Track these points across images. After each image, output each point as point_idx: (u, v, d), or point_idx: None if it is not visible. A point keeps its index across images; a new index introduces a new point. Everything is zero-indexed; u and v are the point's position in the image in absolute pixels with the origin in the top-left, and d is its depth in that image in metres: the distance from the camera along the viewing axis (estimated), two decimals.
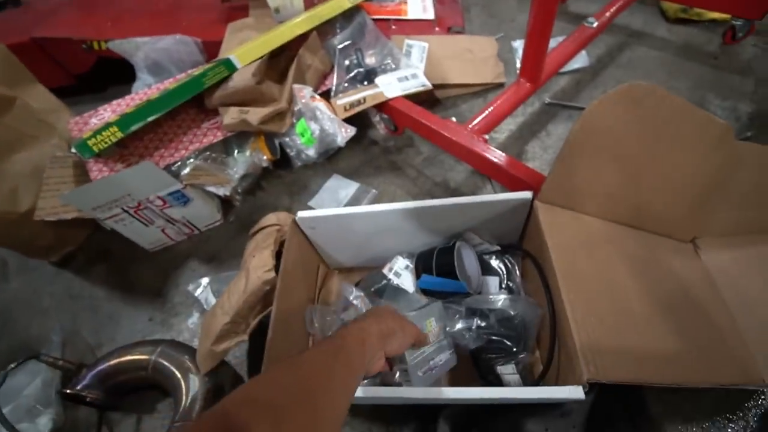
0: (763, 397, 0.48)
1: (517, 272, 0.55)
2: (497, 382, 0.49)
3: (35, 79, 0.82)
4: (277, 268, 0.51)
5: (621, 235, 0.52)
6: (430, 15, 1.01)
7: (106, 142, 0.62)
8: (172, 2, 1.09)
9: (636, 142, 0.47)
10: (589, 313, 0.42)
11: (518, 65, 0.90)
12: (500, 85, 0.89)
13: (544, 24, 0.65)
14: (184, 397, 0.52)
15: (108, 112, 0.79)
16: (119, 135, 0.63)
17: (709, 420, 0.48)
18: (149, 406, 0.59)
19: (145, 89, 0.85)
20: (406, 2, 1.04)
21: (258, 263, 0.51)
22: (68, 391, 0.55)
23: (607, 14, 0.83)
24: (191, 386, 0.53)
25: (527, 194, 0.49)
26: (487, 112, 0.69)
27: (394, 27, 0.97)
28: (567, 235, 0.48)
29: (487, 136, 0.67)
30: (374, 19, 0.90)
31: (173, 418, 0.52)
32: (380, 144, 0.84)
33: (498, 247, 0.57)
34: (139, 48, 0.97)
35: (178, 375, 0.55)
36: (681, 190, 0.52)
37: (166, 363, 0.55)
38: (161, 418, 0.58)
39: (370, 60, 0.83)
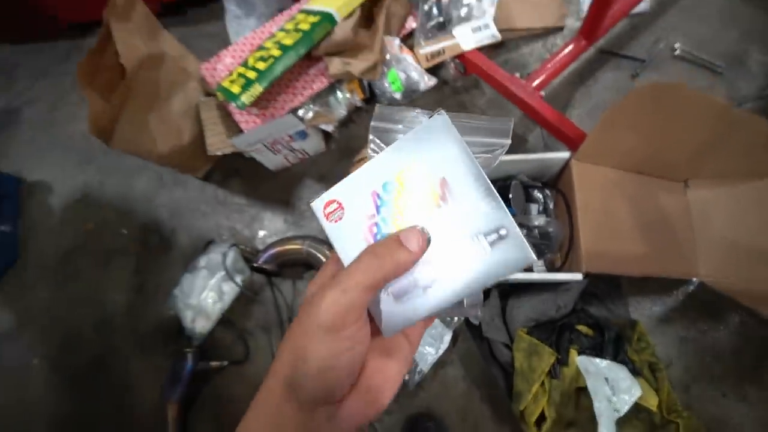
0: (693, 284, 0.80)
1: (551, 202, 0.83)
2: (530, 269, 0.82)
3: (164, 28, 1.01)
4: None
5: (626, 180, 0.78)
6: None
7: (254, 96, 0.87)
8: None
9: (652, 122, 0.69)
10: (592, 233, 0.71)
11: (582, 8, 1.01)
12: (561, 28, 1.03)
13: None
14: None
15: (228, 57, 1.00)
16: (261, 90, 0.87)
17: (656, 295, 0.81)
18: (300, 275, 0.97)
19: (249, 32, 1.03)
20: None
21: None
22: (255, 264, 0.92)
23: None
24: None
25: (566, 154, 0.74)
26: (545, 70, 0.88)
27: None
28: (589, 181, 0.74)
29: (543, 92, 0.87)
30: None
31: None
32: (450, 84, 1.04)
33: (540, 184, 0.84)
34: None
35: (323, 258, 0.90)
36: (681, 147, 0.75)
37: (313, 250, 0.91)
38: (307, 282, 0.97)
39: (445, 2, 0.97)
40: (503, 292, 0.83)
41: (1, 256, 1.30)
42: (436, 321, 0.83)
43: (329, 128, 0.96)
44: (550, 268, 0.81)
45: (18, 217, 1.36)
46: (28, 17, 1.45)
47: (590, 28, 0.86)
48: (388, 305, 0.23)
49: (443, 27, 0.95)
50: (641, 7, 0.99)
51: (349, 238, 0.23)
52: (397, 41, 0.92)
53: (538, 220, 0.80)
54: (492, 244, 0.21)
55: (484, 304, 0.83)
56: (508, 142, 0.23)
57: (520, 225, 0.80)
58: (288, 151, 0.99)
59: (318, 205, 0.24)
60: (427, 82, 0.91)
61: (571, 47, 0.88)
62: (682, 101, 0.67)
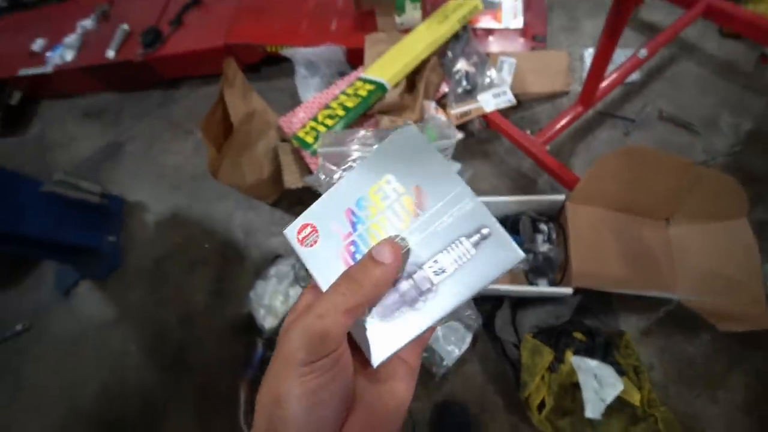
0: (672, 305, 0.98)
1: (554, 233, 1.05)
2: (534, 284, 1.03)
3: (252, 88, 1.34)
4: None
5: (614, 218, 0.99)
6: (519, 23, 1.35)
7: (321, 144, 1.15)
8: (320, 8, 1.51)
9: (630, 174, 0.91)
10: (582, 257, 0.93)
11: (584, 75, 1.25)
12: (567, 92, 1.27)
13: (601, 63, 1.02)
14: None
15: (301, 113, 1.30)
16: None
17: (642, 312, 1.00)
18: None
19: (315, 94, 1.34)
20: (500, 8, 1.37)
21: None
22: None
23: (659, 41, 1.14)
24: None
25: (562, 197, 0.97)
26: (551, 129, 1.12)
27: (490, 38, 1.34)
28: (580, 218, 0.96)
29: (548, 147, 1.11)
30: (474, 29, 1.29)
31: None
32: (475, 136, 1.29)
33: (545, 218, 1.06)
34: (300, 52, 1.43)
35: None
36: (657, 195, 0.96)
37: None
38: None
39: (472, 73, 1.24)
40: (514, 303, 1.05)
41: (108, 261, 1.63)
42: (456, 324, 1.05)
43: None
44: (552, 285, 1.02)
45: (121, 231, 1.70)
46: (142, 74, 1.84)
47: (587, 97, 1.10)
48: (374, 328, 0.21)
49: (470, 93, 1.21)
50: (632, 77, 1.22)
51: (326, 261, 0.22)
52: (433, 104, 1.19)
53: (543, 247, 1.02)
54: (476, 245, 0.20)
55: (497, 315, 1.04)
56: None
57: (528, 251, 1.02)
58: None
59: (291, 231, 0.23)
60: (457, 135, 1.17)
61: (572, 111, 1.12)
62: (651, 159, 0.90)
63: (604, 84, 1.11)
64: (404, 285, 0.21)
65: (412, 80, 1.23)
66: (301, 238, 0.23)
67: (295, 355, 0.18)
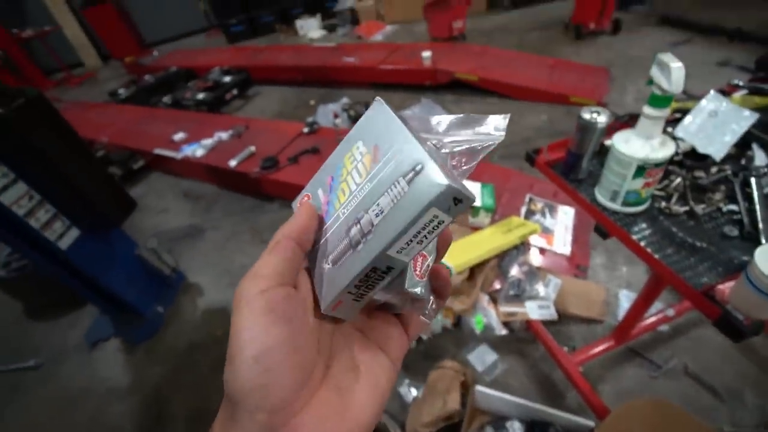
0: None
1: None
2: None
3: None
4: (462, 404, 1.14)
5: None
6: (567, 251, 1.64)
7: None
8: None
9: (657, 427, 1.01)
10: None
11: (619, 312, 1.46)
12: (602, 321, 1.46)
13: (636, 314, 1.22)
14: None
15: None
16: None
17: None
18: None
19: None
20: (553, 234, 1.70)
21: (453, 398, 1.15)
22: None
23: (686, 305, 1.36)
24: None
25: (591, 423, 1.06)
26: (585, 352, 1.27)
27: (541, 256, 1.62)
28: None
29: (581, 368, 1.24)
30: (529, 243, 1.57)
31: None
32: (515, 333, 1.45)
33: None
34: None
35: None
36: None
37: None
38: None
39: (523, 281, 1.48)
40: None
41: (147, 329, 1.74)
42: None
43: (424, 335, 1.38)
44: None
45: (171, 304, 1.85)
46: (249, 185, 2.26)
47: (621, 334, 1.28)
48: (329, 273, 0.23)
49: (518, 297, 1.43)
50: (661, 327, 1.41)
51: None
52: (487, 297, 1.40)
53: None
54: (410, 182, 0.20)
55: None
56: (502, 135, 0.23)
57: None
58: None
59: (296, 201, 0.28)
60: (501, 330, 1.34)
61: (607, 343, 1.28)
62: (678, 418, 1.00)
63: (636, 329, 1.30)
64: (353, 230, 0.22)
65: (472, 271, 1.48)
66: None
67: (256, 288, 0.20)
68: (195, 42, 5.84)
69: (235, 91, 3.52)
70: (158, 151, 2.59)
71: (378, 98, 0.25)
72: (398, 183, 0.21)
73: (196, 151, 2.46)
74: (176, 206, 2.46)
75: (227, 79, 3.54)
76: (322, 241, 0.24)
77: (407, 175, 0.20)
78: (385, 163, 0.22)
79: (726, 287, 0.58)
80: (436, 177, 0.19)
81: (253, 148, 2.37)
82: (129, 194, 1.64)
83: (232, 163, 2.28)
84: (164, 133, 2.72)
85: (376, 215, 0.21)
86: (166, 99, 3.42)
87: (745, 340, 0.54)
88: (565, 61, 3.11)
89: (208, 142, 2.52)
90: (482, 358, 1.39)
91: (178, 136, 2.66)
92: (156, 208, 2.48)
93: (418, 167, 0.20)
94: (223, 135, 2.58)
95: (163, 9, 5.85)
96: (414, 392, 1.32)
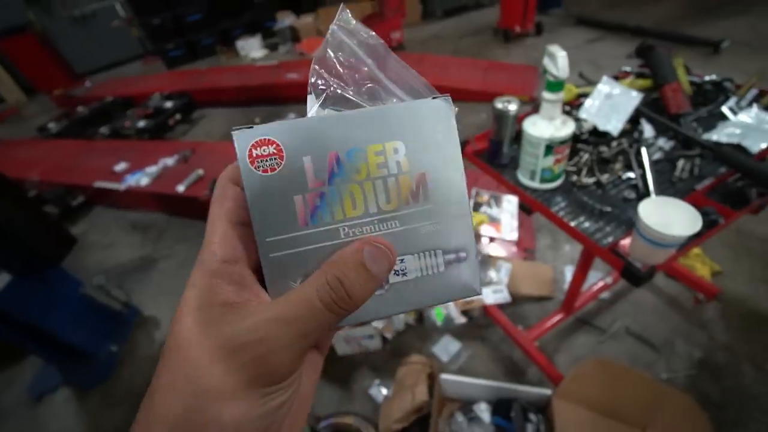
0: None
1: (542, 425, 1.16)
2: None
3: None
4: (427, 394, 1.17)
5: (596, 419, 1.12)
6: (514, 236, 1.74)
7: None
8: None
9: (605, 382, 1.10)
10: None
11: (566, 287, 1.57)
12: (551, 298, 1.56)
13: (577, 284, 1.32)
14: None
15: None
16: None
17: None
18: None
19: None
20: (500, 222, 1.80)
21: (421, 390, 1.18)
22: (316, 428, 1.23)
23: None
24: None
25: (548, 392, 1.13)
26: (539, 327, 1.35)
27: (491, 243, 1.71)
28: (568, 416, 1.10)
29: (536, 343, 1.32)
30: (479, 234, 1.66)
31: None
32: (475, 321, 1.52)
33: (534, 408, 1.19)
34: None
35: None
36: (630, 404, 1.12)
37: (363, 428, 1.22)
38: None
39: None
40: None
41: (100, 371, 1.64)
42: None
43: (389, 335, 1.41)
44: None
45: (126, 342, 1.76)
46: (199, 209, 2.20)
47: (567, 306, 1.38)
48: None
49: None
50: (603, 295, 1.53)
51: (274, 200, 0.18)
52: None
53: None
54: (447, 264, 0.19)
55: None
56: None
57: None
58: (356, 345, 1.42)
59: (244, 139, 0.18)
60: (461, 319, 1.40)
61: (556, 316, 1.38)
62: (619, 373, 1.10)
63: (580, 299, 1.40)
64: None
65: None
66: (254, 155, 0.18)
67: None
68: (131, 69, 5.62)
69: (178, 116, 3.43)
70: (99, 184, 2.46)
71: (448, 96, 0.19)
72: (435, 255, 0.19)
73: (141, 179, 2.37)
74: (124, 239, 2.35)
75: (169, 104, 3.44)
76: (295, 246, 0.18)
77: (449, 254, 0.19)
78: (429, 215, 0.19)
79: (626, 242, 0.66)
80: (472, 281, 0.19)
81: (201, 171, 2.32)
82: (68, 231, 1.56)
83: (180, 188, 2.22)
84: (104, 165, 2.59)
85: (395, 273, 0.19)
86: (104, 130, 3.26)
87: (643, 285, 0.62)
88: (497, 62, 3.32)
89: (152, 169, 2.44)
90: (447, 348, 1.44)
91: (120, 166, 2.55)
92: (101, 243, 2.35)
93: (462, 255, 0.19)
94: (169, 161, 2.50)
95: (94, 37, 5.57)
96: (384, 392, 1.34)
